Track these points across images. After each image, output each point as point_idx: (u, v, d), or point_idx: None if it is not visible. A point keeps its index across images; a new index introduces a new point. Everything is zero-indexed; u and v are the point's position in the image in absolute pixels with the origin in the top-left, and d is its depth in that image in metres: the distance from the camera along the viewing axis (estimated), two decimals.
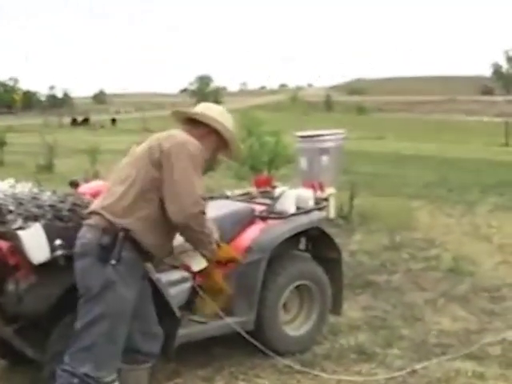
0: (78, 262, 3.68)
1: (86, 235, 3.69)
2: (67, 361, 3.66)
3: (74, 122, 58.58)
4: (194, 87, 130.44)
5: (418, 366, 5.19)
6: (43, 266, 3.84)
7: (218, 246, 4.18)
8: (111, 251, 3.59)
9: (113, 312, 3.64)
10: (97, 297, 3.61)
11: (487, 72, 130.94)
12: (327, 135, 9.17)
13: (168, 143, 3.74)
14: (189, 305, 4.90)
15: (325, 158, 8.95)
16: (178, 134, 3.88)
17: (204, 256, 4.03)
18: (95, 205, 3.81)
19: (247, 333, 5.12)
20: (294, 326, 5.51)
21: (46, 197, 4.33)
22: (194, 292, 4.82)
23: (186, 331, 4.76)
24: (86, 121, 59.53)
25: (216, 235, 4.15)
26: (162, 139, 3.81)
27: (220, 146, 4.07)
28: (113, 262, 3.59)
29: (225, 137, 4.04)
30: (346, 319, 6.17)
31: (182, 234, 3.87)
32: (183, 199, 3.63)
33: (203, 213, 3.72)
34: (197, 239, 3.84)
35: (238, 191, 6.16)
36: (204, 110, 4.06)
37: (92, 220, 3.73)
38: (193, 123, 4.02)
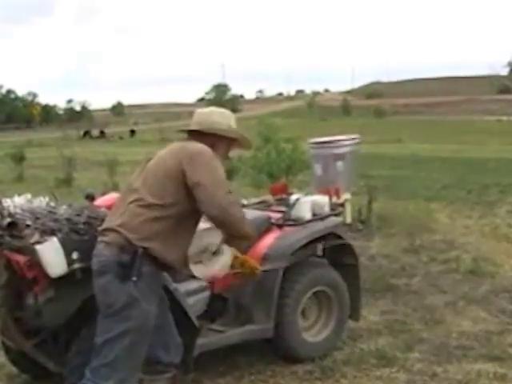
0: (98, 279, 3.69)
1: (104, 252, 3.69)
2: (89, 376, 3.69)
3: (86, 134, 58.16)
4: (210, 96, 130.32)
5: (438, 369, 5.18)
6: (61, 279, 3.87)
7: (237, 257, 4.19)
8: (131, 268, 3.62)
9: (136, 328, 3.66)
10: (119, 313, 3.63)
11: (503, 71, 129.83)
12: (341, 141, 9.12)
13: (185, 155, 3.74)
14: (207, 313, 4.93)
15: (340, 164, 8.90)
16: (191, 145, 3.89)
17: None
18: (109, 222, 3.82)
19: (267, 340, 5.15)
20: (313, 332, 5.51)
21: (63, 210, 4.35)
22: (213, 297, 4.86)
23: (205, 340, 4.78)
24: (102, 133, 59.45)
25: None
26: (178, 152, 3.82)
27: (231, 144, 4.14)
28: (134, 278, 3.61)
29: (233, 137, 4.11)
30: (365, 324, 6.16)
31: (218, 227, 3.83)
32: (214, 193, 3.60)
33: (235, 201, 3.73)
34: (234, 228, 3.78)
35: (254, 199, 6.17)
36: (206, 119, 4.08)
37: (108, 237, 3.72)
38: (201, 134, 4.03)
